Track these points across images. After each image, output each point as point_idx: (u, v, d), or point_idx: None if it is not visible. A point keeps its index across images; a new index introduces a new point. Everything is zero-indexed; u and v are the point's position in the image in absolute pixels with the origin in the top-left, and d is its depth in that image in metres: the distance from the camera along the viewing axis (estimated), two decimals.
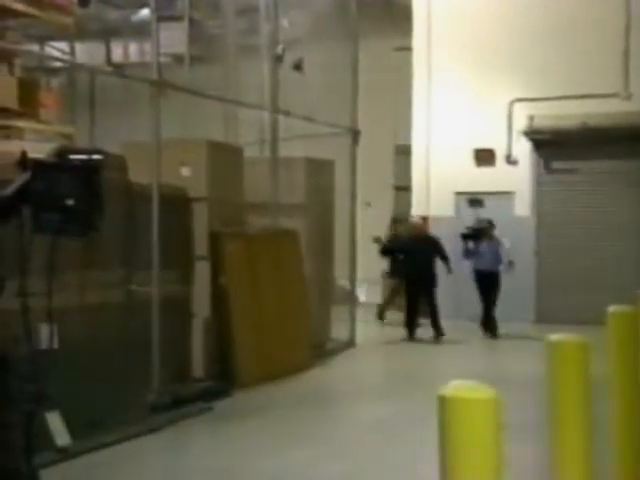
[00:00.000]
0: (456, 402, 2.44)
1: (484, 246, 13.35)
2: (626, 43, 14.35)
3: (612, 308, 4.97)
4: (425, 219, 14.88)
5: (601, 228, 14.91)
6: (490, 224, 13.50)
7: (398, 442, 7.44)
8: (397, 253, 14.04)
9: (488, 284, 13.39)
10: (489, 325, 13.49)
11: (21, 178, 4.85)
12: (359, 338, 12.82)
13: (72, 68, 14.13)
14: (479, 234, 13.38)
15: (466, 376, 2.69)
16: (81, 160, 4.99)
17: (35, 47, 16.09)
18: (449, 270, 13.41)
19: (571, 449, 3.57)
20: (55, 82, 13.55)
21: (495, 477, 2.43)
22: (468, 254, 13.46)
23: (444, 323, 13.27)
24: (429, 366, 10.77)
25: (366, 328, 13.61)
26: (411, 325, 13.28)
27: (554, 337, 3.77)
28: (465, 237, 13.45)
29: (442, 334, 13.15)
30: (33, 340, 5.04)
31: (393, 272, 15.07)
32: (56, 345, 5.22)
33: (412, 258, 13.26)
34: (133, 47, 18.66)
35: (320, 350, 11.48)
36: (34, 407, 4.94)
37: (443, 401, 2.45)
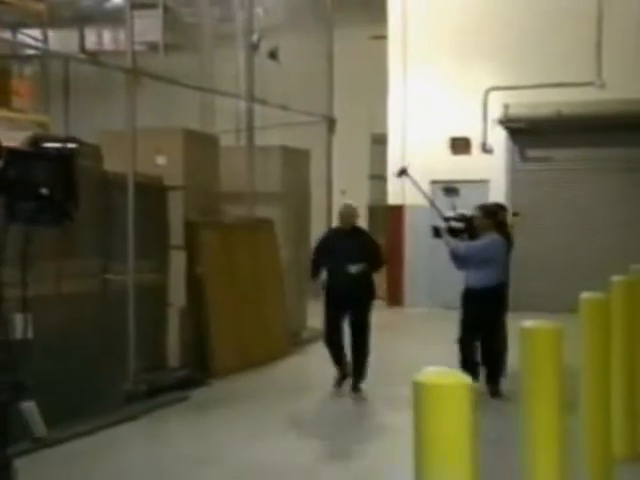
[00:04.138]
0: (430, 388, 2.47)
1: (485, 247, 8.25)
2: (599, 32, 14.43)
3: (584, 295, 5.04)
4: (353, 208, 8.95)
5: (575, 216, 15.00)
6: (493, 210, 8.66)
7: (374, 428, 7.48)
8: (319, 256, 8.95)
9: (490, 308, 8.25)
10: (495, 375, 8.34)
11: None
12: None
13: (45, 56, 14.01)
14: (472, 226, 8.46)
15: (441, 364, 2.72)
16: (55, 148, 4.97)
17: (7, 34, 15.91)
18: (373, 270, 8.77)
19: (544, 433, 3.62)
20: (28, 70, 13.42)
21: (469, 460, 2.46)
22: (460, 261, 8.38)
23: (418, 312, 12.71)
24: (404, 354, 10.81)
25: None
26: (340, 358, 8.80)
27: (528, 324, 3.81)
28: (452, 232, 8.51)
29: (358, 386, 8.62)
30: (8, 330, 5.03)
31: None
32: (31, 335, 5.19)
33: (334, 259, 8.64)
34: (107, 35, 18.50)
35: (296, 338, 11.50)
36: (10, 397, 4.94)
37: (418, 387, 2.48)
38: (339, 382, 8.80)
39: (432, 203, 9.20)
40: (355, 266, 8.46)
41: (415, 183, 9.49)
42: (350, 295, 8.54)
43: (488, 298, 8.15)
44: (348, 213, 8.92)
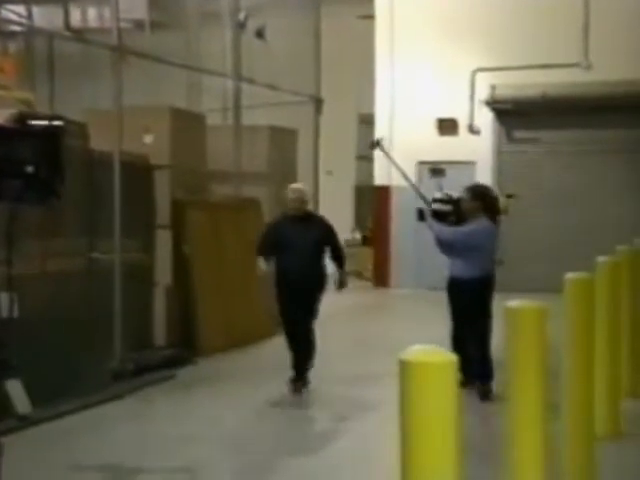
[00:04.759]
0: (416, 366, 2.49)
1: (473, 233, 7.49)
2: (586, 14, 14.42)
3: (569, 275, 5.08)
4: (303, 191, 8.07)
5: (562, 197, 15.05)
6: (482, 192, 7.77)
7: (358, 406, 7.52)
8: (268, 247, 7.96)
9: (477, 299, 7.49)
10: (485, 373, 7.42)
11: None
12: (321, 306, 12.85)
13: (30, 32, 13.89)
14: (459, 209, 7.68)
15: (426, 342, 2.73)
16: (41, 126, 4.94)
17: None
18: (341, 283, 8.06)
19: (528, 409, 3.65)
20: (12, 47, 13.29)
21: (454, 437, 2.48)
22: (446, 247, 7.62)
23: (404, 293, 12.45)
24: (390, 332, 10.85)
25: (328, 296, 13.64)
26: (299, 361, 8.00)
27: (513, 304, 3.83)
28: (437, 215, 7.71)
29: (304, 384, 7.93)
30: None
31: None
32: (16, 313, 5.20)
33: (286, 250, 7.76)
34: (92, 12, 18.32)
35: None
36: None
37: (404, 365, 2.49)
38: (294, 382, 7.91)
39: (405, 176, 8.46)
40: (339, 283, 7.98)
41: (388, 156, 9.02)
42: (301, 287, 7.75)
43: (475, 289, 7.40)
44: (298, 198, 7.91)
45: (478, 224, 7.45)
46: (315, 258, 7.78)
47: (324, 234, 7.92)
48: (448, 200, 7.86)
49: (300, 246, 7.68)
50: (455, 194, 7.97)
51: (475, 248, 7.40)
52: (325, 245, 7.91)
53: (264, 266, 7.88)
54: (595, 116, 14.62)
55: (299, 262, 7.67)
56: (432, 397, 2.48)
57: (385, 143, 15.21)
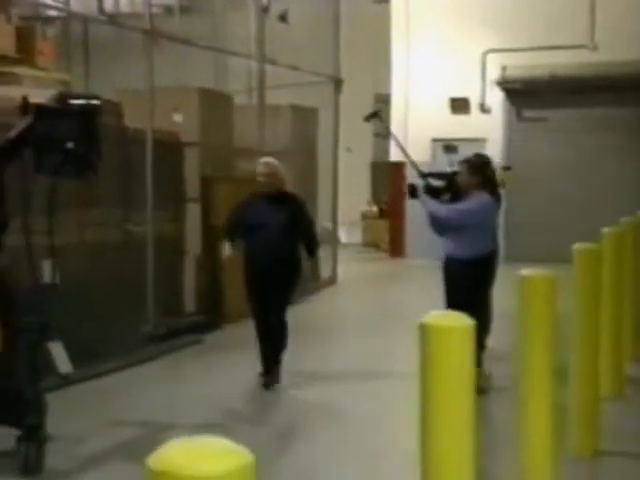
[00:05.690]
0: (435, 330, 2.49)
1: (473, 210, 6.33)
2: None
3: (577, 245, 5.05)
4: (273, 165, 6.88)
5: (569, 172, 14.95)
6: (481, 164, 6.51)
7: (377, 370, 7.54)
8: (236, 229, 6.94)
9: (477, 282, 6.40)
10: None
11: (23, 122, 4.82)
12: (340, 276, 12.89)
13: (67, 17, 13.87)
14: (454, 184, 6.56)
15: (440, 309, 2.74)
16: (80, 105, 4.96)
17: None
18: (311, 254, 6.87)
19: (538, 369, 3.65)
20: (51, 31, 13.29)
21: (470, 396, 2.49)
22: (441, 227, 6.43)
23: (418, 263, 12.50)
24: (407, 301, 10.86)
25: (346, 266, 13.67)
26: (268, 353, 6.88)
27: (525, 272, 3.82)
28: (431, 191, 6.58)
29: (275, 379, 6.81)
30: (37, 275, 5.06)
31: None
32: (58, 280, 5.23)
33: (255, 231, 6.67)
34: None
35: (305, 286, 11.53)
36: (39, 337, 5.00)
37: (424, 329, 2.49)
38: (264, 375, 6.83)
39: (403, 149, 7.68)
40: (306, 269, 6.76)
41: (386, 128, 8.10)
42: (272, 272, 6.58)
43: (475, 270, 6.26)
44: (268, 172, 6.67)
45: (478, 200, 6.28)
46: (287, 241, 6.61)
47: (295, 213, 6.69)
48: (441, 175, 6.92)
49: (271, 227, 6.53)
50: (449, 168, 7.08)
51: (476, 226, 6.25)
52: (296, 228, 6.67)
53: (228, 251, 6.81)
54: (601, 95, 14.48)
55: (269, 245, 6.53)
56: (449, 358, 2.48)
57: (401, 122, 15.16)
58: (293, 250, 6.68)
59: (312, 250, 6.81)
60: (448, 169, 6.95)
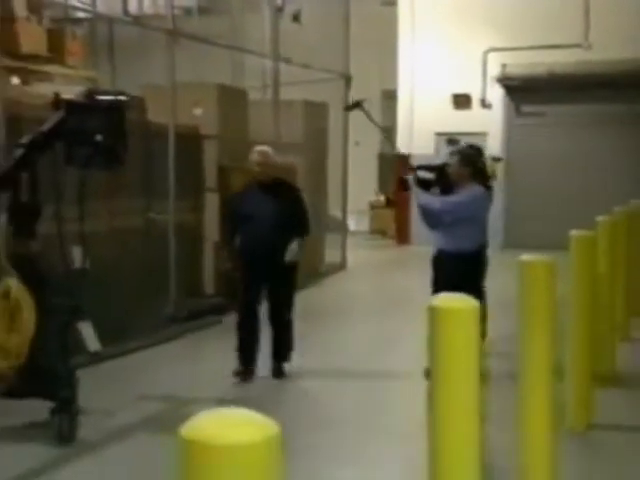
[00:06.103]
0: (443, 312, 2.50)
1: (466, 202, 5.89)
2: None
3: (574, 232, 5.05)
4: (267, 154, 6.45)
5: (566, 165, 14.92)
6: (472, 156, 6.16)
7: (384, 351, 7.56)
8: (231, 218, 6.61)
9: (469, 275, 5.77)
10: None
11: (55, 117, 4.84)
12: (350, 262, 12.90)
13: (94, 18, 13.87)
14: (444, 176, 6.10)
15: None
16: (108, 100, 4.98)
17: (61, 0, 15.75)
18: (299, 243, 6.24)
19: (538, 353, 3.65)
20: (79, 32, 13.30)
21: (476, 374, 2.50)
22: (434, 220, 5.92)
23: (424, 250, 12.39)
24: (413, 286, 10.86)
25: (355, 253, 13.67)
26: (249, 346, 6.36)
27: (525, 257, 3.82)
28: (422, 184, 6.11)
29: (281, 370, 6.42)
30: (68, 260, 5.09)
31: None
32: (87, 265, 5.26)
33: (251, 222, 6.19)
34: (146, 0, 18.27)
35: (314, 272, 11.56)
36: (69, 318, 5.03)
37: (432, 311, 2.50)
38: (240, 373, 6.27)
39: (385, 135, 7.00)
40: (290, 251, 6.12)
41: (369, 117, 7.46)
42: (269, 266, 6.13)
43: (466, 263, 5.81)
44: (263, 161, 6.22)
45: (470, 192, 5.85)
46: (285, 231, 6.10)
47: (290, 203, 6.24)
48: (431, 167, 6.40)
49: (265, 217, 6.04)
50: (438, 161, 6.58)
51: (468, 219, 5.82)
52: (291, 219, 6.16)
53: (228, 265, 6.42)
54: (596, 92, 14.41)
55: (264, 235, 6.04)
56: (457, 339, 2.49)
57: (407, 117, 15.10)
58: (288, 240, 6.12)
59: (301, 231, 6.22)
60: (437, 161, 6.50)
